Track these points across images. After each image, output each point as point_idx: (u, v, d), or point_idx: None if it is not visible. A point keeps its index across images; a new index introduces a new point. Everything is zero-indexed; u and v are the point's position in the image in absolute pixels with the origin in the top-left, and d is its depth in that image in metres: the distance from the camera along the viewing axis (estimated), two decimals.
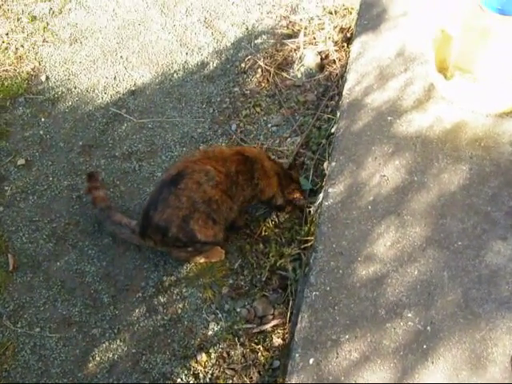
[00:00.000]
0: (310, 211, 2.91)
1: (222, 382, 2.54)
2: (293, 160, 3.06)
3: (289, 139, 3.30)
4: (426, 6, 3.36)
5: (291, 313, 2.64)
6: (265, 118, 3.41)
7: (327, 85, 3.53)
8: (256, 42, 3.75)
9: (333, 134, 3.04)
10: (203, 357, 2.60)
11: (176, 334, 2.66)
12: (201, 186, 2.55)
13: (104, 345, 2.64)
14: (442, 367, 2.22)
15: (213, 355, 2.61)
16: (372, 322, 2.34)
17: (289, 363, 2.29)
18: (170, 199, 2.54)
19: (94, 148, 3.28)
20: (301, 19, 3.85)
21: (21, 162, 3.23)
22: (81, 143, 3.30)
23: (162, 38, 3.78)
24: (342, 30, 3.71)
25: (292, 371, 2.26)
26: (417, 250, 2.51)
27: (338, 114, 3.04)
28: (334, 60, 3.62)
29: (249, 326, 2.67)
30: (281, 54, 3.67)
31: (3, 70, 3.64)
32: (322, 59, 3.64)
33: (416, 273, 2.45)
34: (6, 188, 3.12)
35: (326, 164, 2.92)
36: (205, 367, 2.58)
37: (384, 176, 2.73)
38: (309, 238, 2.76)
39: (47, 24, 3.88)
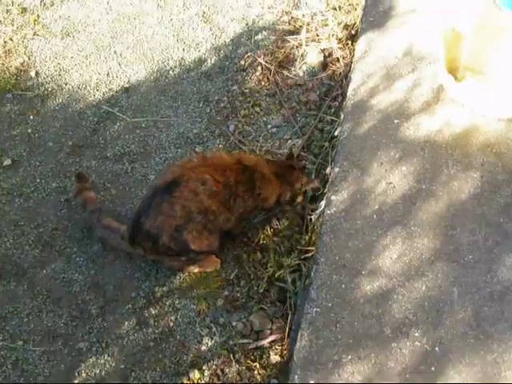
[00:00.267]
0: (311, 219, 2.78)
1: None
2: (289, 150, 2.88)
3: (289, 141, 3.16)
4: (434, 3, 3.23)
5: (290, 328, 2.51)
6: (264, 119, 3.28)
7: (330, 84, 3.39)
8: (256, 38, 3.60)
9: (336, 136, 2.93)
10: (196, 374, 2.46)
11: (167, 349, 2.52)
12: (197, 195, 2.42)
13: (91, 360, 2.50)
14: None
15: (206, 372, 2.47)
16: (376, 342, 2.22)
17: None
18: (164, 207, 2.41)
19: (84, 148, 3.14)
20: (303, 15, 3.71)
21: (7, 162, 3.08)
22: (71, 143, 3.16)
23: (158, 32, 3.63)
24: (346, 26, 3.57)
25: None
26: (425, 263, 2.40)
27: (342, 115, 2.92)
28: (338, 58, 3.48)
29: (245, 341, 2.54)
30: (282, 51, 3.53)
31: None
32: (325, 57, 3.51)
33: (424, 288, 2.34)
34: None
35: (328, 169, 2.78)
36: None
37: (390, 183, 2.62)
38: (309, 247, 2.63)
39: (38, 16, 3.71)
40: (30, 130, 3.22)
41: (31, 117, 3.28)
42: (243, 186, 2.57)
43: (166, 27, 3.67)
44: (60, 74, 3.46)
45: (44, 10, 3.75)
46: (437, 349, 2.20)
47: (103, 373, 2.48)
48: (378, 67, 3.05)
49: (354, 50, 3.37)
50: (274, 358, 2.49)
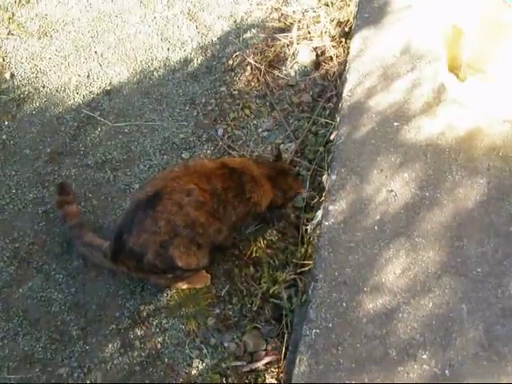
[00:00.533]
0: (306, 229, 2.62)
1: None
2: (277, 150, 2.71)
3: (282, 146, 3.00)
4: None
5: (287, 348, 2.35)
6: (255, 122, 3.13)
7: (324, 84, 3.24)
8: (245, 36, 3.44)
9: (331, 141, 2.79)
10: None
11: (155, 374, 2.37)
12: (182, 208, 2.25)
13: None
14: None
15: None
16: (381, 366, 2.07)
17: None
18: (147, 223, 2.24)
19: (63, 156, 2.97)
20: (294, 11, 3.55)
21: None
22: (49, 150, 2.99)
23: (141, 31, 3.46)
24: (339, 23, 3.41)
25: None
26: (431, 278, 2.26)
27: (338, 118, 2.76)
28: (331, 57, 3.33)
29: (238, 363, 2.39)
30: (272, 49, 3.37)
31: None
32: (317, 56, 3.36)
33: (431, 305, 2.20)
34: None
35: (325, 177, 2.62)
36: None
37: (391, 191, 2.48)
38: (306, 261, 2.48)
39: (13, 14, 3.52)
40: (4, 137, 3.03)
41: (6, 122, 3.09)
42: (232, 192, 2.40)
43: (150, 25, 3.49)
44: (37, 76, 3.27)
45: (19, 7, 3.55)
46: (447, 372, 2.05)
47: None
48: (375, 66, 2.90)
49: (347, 47, 3.22)
50: (270, 381, 2.34)
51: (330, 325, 2.15)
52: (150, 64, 3.35)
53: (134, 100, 3.20)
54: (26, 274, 2.60)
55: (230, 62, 3.36)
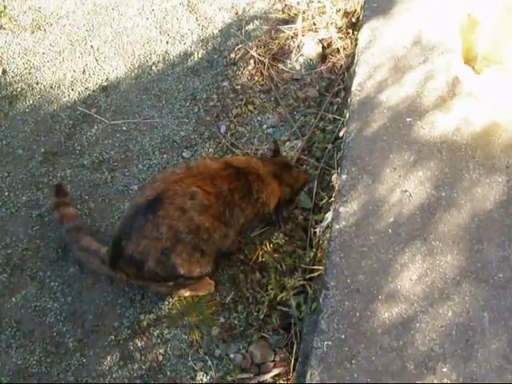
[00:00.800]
0: (315, 232, 2.50)
1: None
2: (275, 145, 2.59)
3: (288, 143, 2.90)
4: None
5: (296, 359, 2.23)
6: (259, 118, 3.02)
7: (331, 78, 3.12)
8: (247, 28, 3.36)
9: (340, 137, 2.67)
10: None
11: None
12: (185, 212, 2.13)
13: None
14: None
15: None
16: (399, 380, 1.94)
17: None
18: (147, 228, 2.12)
19: (58, 156, 2.87)
20: (298, 2, 3.44)
21: None
22: (43, 150, 2.89)
23: (139, 24, 3.36)
24: (346, 14, 3.28)
25: None
26: (449, 284, 2.12)
27: (347, 114, 2.63)
28: (338, 49, 3.22)
29: (245, 375, 2.28)
30: (276, 42, 3.27)
31: None
32: (323, 48, 3.25)
33: (450, 314, 2.06)
34: None
35: (334, 176, 2.49)
36: None
37: (406, 191, 2.34)
38: (315, 266, 2.36)
39: (4, 8, 3.39)
40: None
41: None
42: (239, 193, 2.29)
43: (148, 18, 3.39)
44: (30, 72, 3.17)
45: (11, 0, 3.43)
46: None
47: None
48: (385, 58, 2.78)
49: (355, 39, 3.10)
50: None
51: (343, 336, 2.02)
52: (148, 58, 3.24)
53: (131, 96, 3.10)
54: (20, 282, 2.50)
55: (232, 55, 3.26)
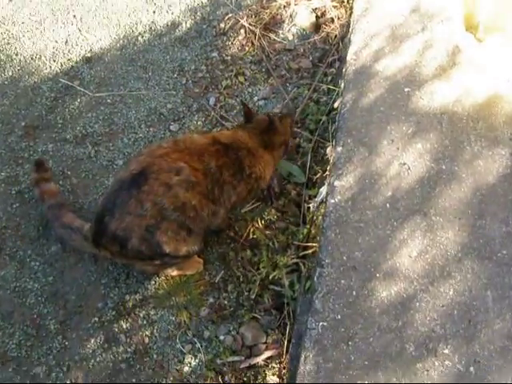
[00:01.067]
0: (308, 208, 2.41)
1: None
2: (245, 107, 2.42)
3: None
4: None
5: (289, 341, 2.15)
6: (250, 90, 2.91)
7: (325, 48, 3.01)
8: None
9: (335, 109, 2.58)
10: None
11: (142, 372, 2.18)
12: (171, 188, 2.03)
13: None
14: None
15: None
16: (398, 362, 1.86)
17: None
18: (131, 204, 2.02)
19: (39, 130, 2.76)
20: None
21: None
22: (23, 124, 2.78)
23: None
24: None
25: None
26: (450, 261, 2.04)
27: (342, 84, 2.53)
28: (332, 18, 3.10)
29: (235, 358, 2.20)
30: (268, 11, 3.15)
31: None
32: (317, 18, 3.14)
33: (451, 293, 1.98)
34: None
35: (329, 149, 2.39)
36: None
37: (404, 164, 2.25)
38: (309, 243, 2.27)
39: None
40: None
41: None
42: (229, 170, 2.18)
43: None
44: (9, 43, 3.05)
45: None
46: (471, 369, 1.84)
47: None
48: (382, 27, 2.67)
49: (350, 8, 3.01)
50: (272, 378, 2.15)
51: (339, 316, 1.93)
52: (134, 28, 3.13)
53: (116, 68, 2.99)
54: None
55: (222, 25, 3.15)
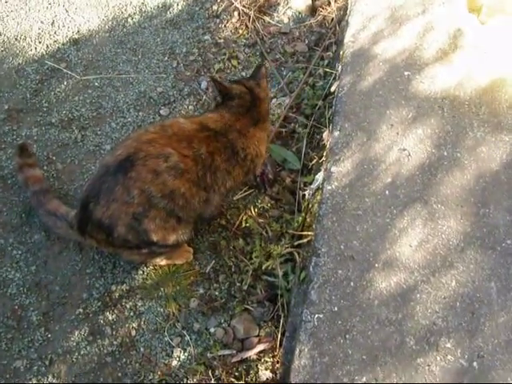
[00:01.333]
0: (304, 195, 2.32)
1: None
2: (217, 84, 2.17)
3: (274, 100, 2.72)
4: None
5: (283, 334, 2.06)
6: (243, 74, 2.82)
7: (321, 32, 2.92)
8: None
9: (332, 93, 2.49)
10: None
11: (129, 366, 2.09)
12: (159, 175, 1.93)
13: (30, 383, 2.04)
14: None
15: None
16: (398, 357, 1.76)
17: None
18: (117, 191, 1.93)
19: (23, 113, 2.67)
20: None
21: None
22: (6, 107, 2.68)
23: None
24: None
25: None
26: (453, 251, 1.95)
27: (340, 67, 2.44)
28: (329, 1, 3.05)
29: (226, 352, 2.11)
30: None
31: None
32: (313, 0, 3.05)
33: (453, 284, 1.89)
34: None
35: (326, 133, 2.30)
36: None
37: (404, 150, 2.17)
38: (304, 232, 2.17)
39: None
40: None
41: None
42: (221, 156, 2.07)
43: None
44: None
45: None
46: (475, 364, 1.75)
47: None
48: (381, 8, 2.59)
49: None
50: (264, 373, 2.06)
51: (336, 308, 1.84)
52: (123, 10, 3.05)
53: (105, 50, 2.91)
54: None
55: (215, 7, 3.08)
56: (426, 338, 1.78)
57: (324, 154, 2.25)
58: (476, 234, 1.96)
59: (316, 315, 1.82)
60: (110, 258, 2.27)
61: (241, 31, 2.94)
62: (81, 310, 2.18)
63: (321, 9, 3.00)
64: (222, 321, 2.17)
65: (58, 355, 2.09)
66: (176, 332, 2.14)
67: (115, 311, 2.18)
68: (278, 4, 3.04)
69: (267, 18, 2.98)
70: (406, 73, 2.35)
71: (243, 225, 2.37)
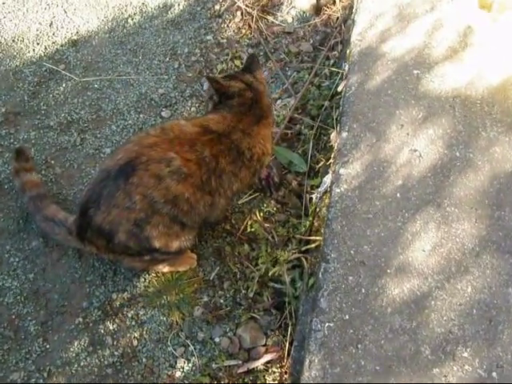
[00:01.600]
0: (311, 198, 2.28)
1: None
2: (212, 81, 2.09)
3: (279, 101, 2.67)
4: None
5: (291, 343, 1.99)
6: None
7: (326, 31, 2.88)
8: None
9: (339, 93, 2.45)
10: None
11: (131, 377, 2.01)
12: (162, 180, 1.87)
13: None
14: None
15: None
16: (412, 367, 1.69)
17: None
18: (118, 197, 1.87)
19: (21, 116, 2.61)
20: None
21: None
22: (4, 110, 2.63)
23: None
24: None
25: None
26: (468, 255, 1.89)
27: (347, 66, 2.39)
28: (334, 0, 2.88)
29: (232, 362, 2.05)
30: None
31: None
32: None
33: (469, 290, 1.82)
34: None
35: (333, 135, 2.23)
36: None
37: (415, 151, 2.10)
38: (312, 237, 2.12)
39: None
40: None
41: None
42: (226, 158, 2.00)
43: None
44: None
45: None
46: (494, 374, 1.68)
47: None
48: (389, 6, 2.53)
49: None
50: None
51: (347, 316, 1.77)
52: (123, 10, 3.01)
53: (104, 51, 2.86)
54: None
55: (217, 7, 3.03)
56: (442, 347, 1.71)
57: (332, 155, 2.19)
58: (492, 238, 1.89)
59: (326, 324, 1.75)
60: (110, 265, 2.21)
61: (244, 31, 2.88)
62: (80, 320, 2.12)
63: (325, 8, 2.95)
64: (228, 330, 2.11)
65: (57, 367, 2.02)
66: (179, 342, 2.08)
67: (116, 320, 2.12)
68: (282, 3, 2.99)
69: (271, 18, 2.93)
70: (415, 71, 2.29)
71: (248, 230, 2.31)
